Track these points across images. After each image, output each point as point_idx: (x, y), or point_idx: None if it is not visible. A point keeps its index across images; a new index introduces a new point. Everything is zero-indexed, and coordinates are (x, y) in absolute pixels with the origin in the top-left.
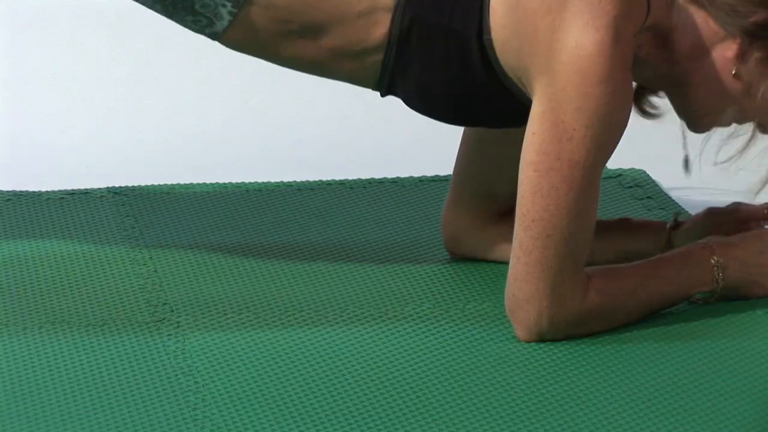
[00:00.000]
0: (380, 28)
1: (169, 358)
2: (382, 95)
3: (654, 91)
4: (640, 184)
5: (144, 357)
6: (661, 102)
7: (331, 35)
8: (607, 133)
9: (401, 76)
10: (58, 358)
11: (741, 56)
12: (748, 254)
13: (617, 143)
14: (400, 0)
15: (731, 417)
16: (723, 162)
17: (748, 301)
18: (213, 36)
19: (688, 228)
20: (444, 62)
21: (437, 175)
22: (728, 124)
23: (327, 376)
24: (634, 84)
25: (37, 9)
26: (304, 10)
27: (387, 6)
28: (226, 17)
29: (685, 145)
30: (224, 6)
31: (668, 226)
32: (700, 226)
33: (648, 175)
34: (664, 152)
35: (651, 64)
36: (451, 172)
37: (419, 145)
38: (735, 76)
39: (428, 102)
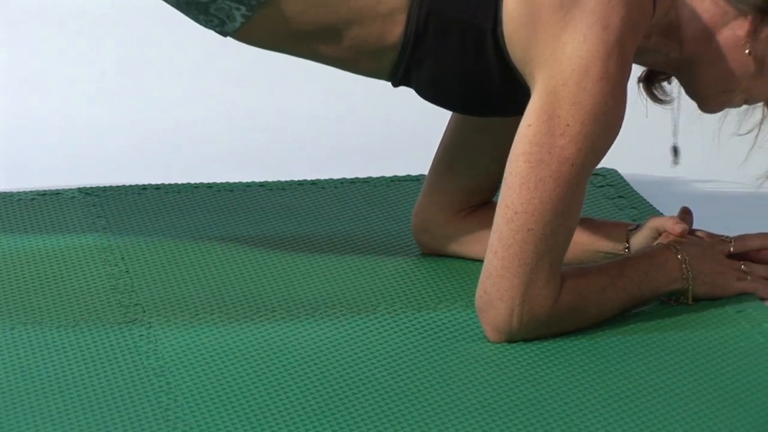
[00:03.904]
0: (397, 26)
1: (141, 359)
2: (395, 86)
3: (666, 77)
4: (611, 183)
5: (116, 357)
6: (670, 89)
7: (348, 36)
8: (601, 133)
9: (416, 68)
10: (29, 359)
11: (753, 33)
12: (700, 258)
13: (609, 146)
14: None
15: (703, 416)
16: (744, 134)
17: (719, 300)
18: (222, 33)
19: (642, 230)
20: (460, 54)
21: (409, 175)
22: (740, 105)
23: (299, 375)
24: (644, 69)
25: (1, 9)
26: (320, 14)
27: (405, 4)
28: (239, 20)
29: (675, 134)
30: (238, 9)
31: (629, 228)
32: (649, 229)
33: (619, 174)
34: (635, 151)
35: (661, 52)
36: (423, 172)
37: (391, 145)
38: (748, 53)
39: (441, 92)
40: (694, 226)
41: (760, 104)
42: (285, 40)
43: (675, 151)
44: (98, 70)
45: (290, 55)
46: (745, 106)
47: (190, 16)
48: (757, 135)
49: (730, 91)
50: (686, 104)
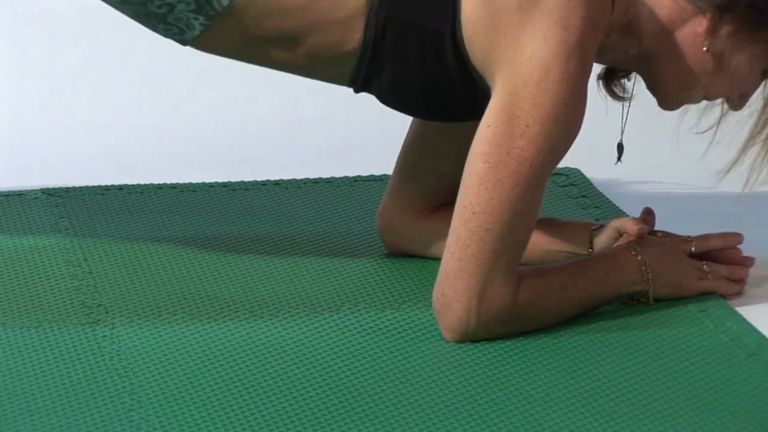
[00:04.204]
0: (356, 33)
1: (104, 360)
2: (356, 92)
3: (625, 74)
4: (574, 183)
5: (79, 358)
6: (629, 86)
7: (307, 43)
8: (561, 133)
9: (376, 74)
10: None
11: (712, 31)
12: (661, 258)
13: (568, 147)
14: (374, 1)
15: (667, 415)
16: (703, 132)
17: (683, 299)
18: (181, 42)
19: (605, 230)
20: (419, 60)
21: (372, 175)
22: (699, 101)
23: (262, 375)
24: (603, 67)
25: None
26: (279, 21)
27: (362, 10)
28: (198, 28)
29: (622, 132)
30: (197, 19)
31: (592, 228)
32: (611, 229)
33: (582, 173)
34: (598, 151)
35: (620, 49)
36: (386, 172)
37: (354, 146)
38: (706, 51)
39: (401, 98)
40: (657, 226)
41: (719, 101)
42: (245, 48)
43: (620, 148)
44: (61, 72)
45: (250, 63)
46: (704, 103)
47: (149, 27)
48: (716, 131)
49: (689, 87)
50: (648, 103)
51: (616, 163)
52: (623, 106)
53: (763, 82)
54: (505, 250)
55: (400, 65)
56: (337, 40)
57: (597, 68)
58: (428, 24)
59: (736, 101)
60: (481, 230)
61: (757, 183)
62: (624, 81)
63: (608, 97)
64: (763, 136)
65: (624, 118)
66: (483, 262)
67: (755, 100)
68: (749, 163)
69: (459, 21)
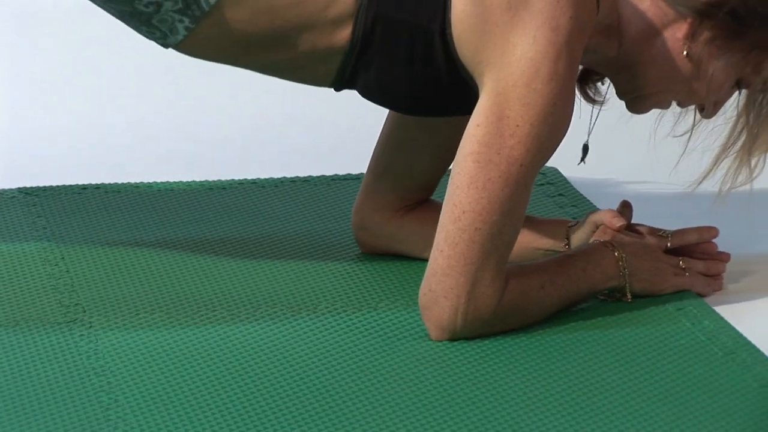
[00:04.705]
0: (345, 30)
1: (81, 359)
2: (337, 90)
3: (600, 76)
4: (552, 181)
5: (56, 357)
6: (604, 89)
7: (297, 43)
8: (549, 134)
9: (364, 70)
10: None
11: (691, 36)
12: (637, 254)
13: (556, 147)
14: (363, 0)
15: (644, 413)
16: (679, 136)
17: (660, 297)
18: (163, 45)
19: (582, 226)
20: (408, 57)
21: (349, 174)
22: (668, 106)
23: (239, 374)
24: (579, 67)
25: None
26: (267, 21)
27: (352, 7)
28: (182, 32)
29: (589, 133)
30: (182, 22)
31: (568, 225)
32: (588, 224)
33: (560, 172)
34: (576, 150)
35: (598, 51)
36: (363, 171)
37: (331, 144)
38: (686, 55)
39: (388, 94)
40: (634, 221)
41: (692, 108)
42: (229, 50)
43: (585, 149)
44: (38, 72)
45: (234, 66)
46: (680, 109)
47: (131, 26)
48: (688, 140)
49: (665, 92)
50: (621, 103)
51: (579, 164)
52: (592, 108)
53: (737, 93)
54: (494, 249)
55: (388, 62)
56: (327, 38)
57: None
58: (418, 22)
59: (710, 109)
60: (471, 229)
61: (729, 191)
62: (598, 84)
63: (584, 100)
64: (736, 148)
65: (593, 120)
66: (472, 260)
67: (727, 110)
68: (722, 174)
69: (449, 19)
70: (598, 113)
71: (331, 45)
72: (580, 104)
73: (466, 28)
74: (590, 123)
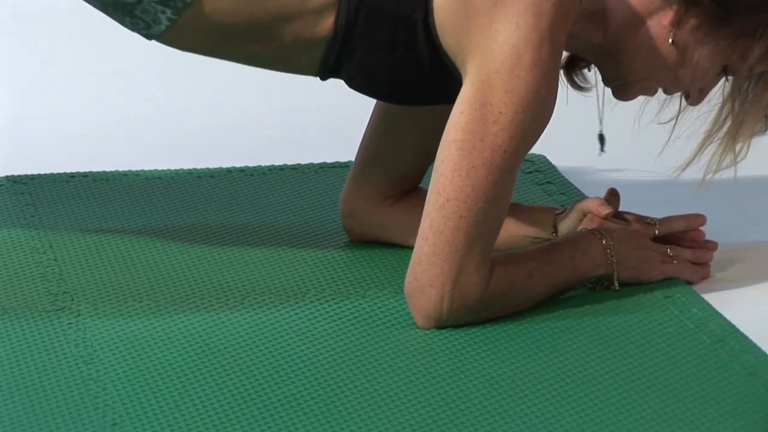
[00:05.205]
0: (328, 19)
1: (69, 347)
2: (323, 79)
3: (587, 63)
4: (540, 169)
5: (44, 346)
6: (590, 76)
7: (280, 33)
8: (533, 120)
9: (347, 59)
10: None
11: (677, 23)
12: (625, 242)
13: (540, 133)
14: None
15: (633, 402)
16: (664, 123)
17: (648, 285)
18: (147, 37)
19: (569, 213)
20: (391, 45)
21: (338, 162)
22: (654, 93)
23: (227, 362)
24: (565, 54)
25: None
26: (250, 12)
27: None
28: (165, 23)
29: (600, 123)
30: (164, 12)
31: (556, 212)
32: (575, 212)
33: (548, 159)
34: (563, 137)
35: (583, 37)
36: (352, 159)
37: (320, 132)
38: (671, 43)
39: (371, 82)
40: (621, 209)
41: (678, 95)
42: (212, 41)
43: (601, 139)
44: (26, 60)
45: (217, 57)
46: (665, 96)
47: (115, 19)
48: (674, 126)
49: (650, 79)
50: (608, 91)
51: (599, 154)
52: (597, 95)
53: (723, 80)
54: (479, 237)
55: (371, 50)
56: (310, 27)
57: None
58: (400, 9)
59: (695, 96)
60: (455, 217)
61: (713, 176)
62: (585, 71)
63: (569, 86)
64: (721, 134)
65: (600, 108)
66: (457, 248)
67: (713, 97)
68: (706, 160)
69: (431, 7)
70: (603, 101)
71: (314, 34)
72: (567, 91)
73: (449, 15)
74: (599, 111)
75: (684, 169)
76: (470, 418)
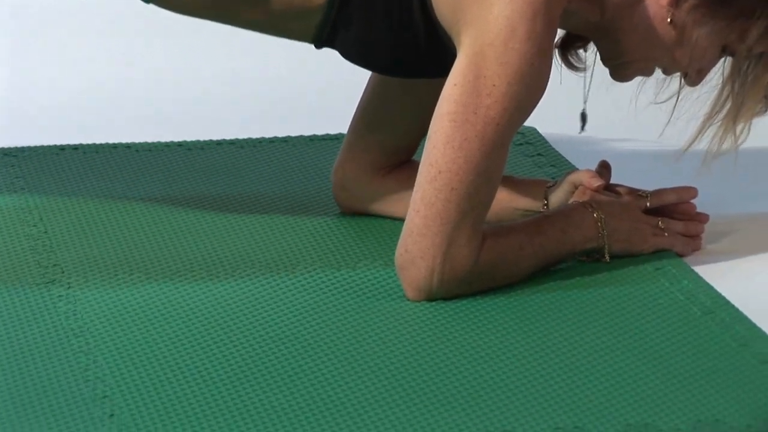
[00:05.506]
0: None
1: (60, 319)
2: (318, 48)
3: (582, 43)
4: (530, 141)
5: (35, 318)
6: (585, 56)
7: (271, 0)
8: (527, 93)
9: (342, 30)
10: None
11: (675, 2)
12: (616, 214)
13: (534, 107)
14: None
15: (624, 374)
16: (662, 102)
17: (638, 257)
18: (145, 0)
19: (560, 186)
20: (386, 17)
21: (328, 134)
22: (651, 74)
23: (218, 334)
24: (561, 32)
25: None
26: None
27: None
28: None
29: (585, 100)
30: None
31: (547, 185)
32: (566, 184)
33: (538, 132)
34: (555, 109)
35: (580, 15)
36: (342, 131)
37: (310, 104)
38: (669, 22)
39: (366, 54)
40: (613, 182)
41: (677, 75)
42: (209, 5)
43: (583, 117)
44: (16, 31)
45: (213, 21)
46: (662, 75)
47: None
48: (674, 107)
49: (648, 59)
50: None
51: (579, 132)
52: (585, 75)
53: (722, 62)
54: (470, 209)
55: (366, 22)
56: None
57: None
58: None
59: (693, 77)
60: (447, 189)
61: (713, 159)
62: (580, 51)
63: (565, 66)
64: (721, 116)
65: (587, 87)
66: (448, 220)
67: (712, 77)
68: (706, 141)
69: None
70: (591, 81)
71: (308, 2)
72: (561, 69)
73: None
74: (585, 90)
75: (684, 151)
76: (460, 389)
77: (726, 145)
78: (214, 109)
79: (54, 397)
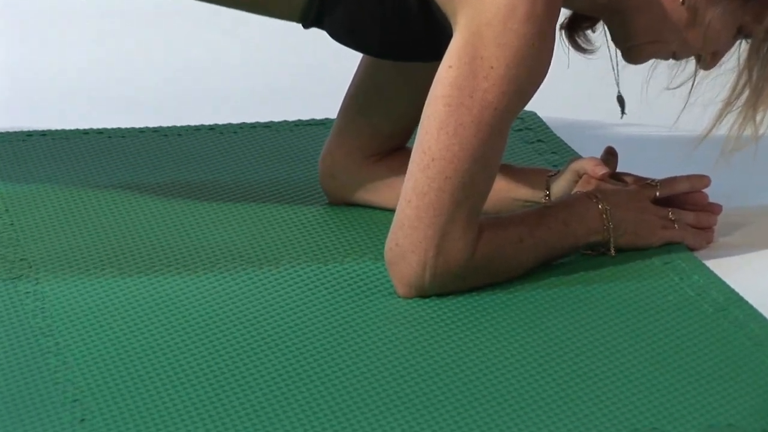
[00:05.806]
0: None
1: (27, 318)
2: (305, 27)
3: (590, 24)
4: (530, 126)
5: (0, 317)
6: (594, 37)
7: None
8: (526, 77)
9: (330, 9)
10: None
11: None
12: (623, 205)
13: (534, 91)
14: None
15: (628, 374)
16: (674, 88)
17: (646, 251)
18: None
19: (563, 175)
20: None
21: (313, 119)
22: (667, 57)
23: (197, 332)
24: (567, 12)
25: None
26: None
27: None
28: None
29: (617, 83)
30: None
31: (549, 174)
32: (570, 173)
33: (539, 117)
34: (556, 93)
35: None
36: (329, 116)
37: (294, 87)
38: (682, 3)
39: (358, 36)
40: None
41: (690, 59)
42: None
43: (621, 101)
44: None
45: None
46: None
47: None
48: (689, 93)
49: (659, 41)
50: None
51: (621, 117)
52: (610, 57)
53: (738, 46)
54: (465, 199)
55: (358, 3)
56: None
57: (561, 18)
58: None
59: (708, 60)
60: (441, 178)
61: (732, 149)
62: (589, 32)
63: (570, 48)
64: (740, 103)
65: (615, 69)
66: (441, 212)
67: (726, 62)
68: (725, 130)
69: None
70: (617, 62)
71: None
72: (568, 52)
73: None
74: (615, 72)
75: (701, 141)
76: (454, 391)
77: (746, 134)
78: (192, 92)
79: (21, 401)
